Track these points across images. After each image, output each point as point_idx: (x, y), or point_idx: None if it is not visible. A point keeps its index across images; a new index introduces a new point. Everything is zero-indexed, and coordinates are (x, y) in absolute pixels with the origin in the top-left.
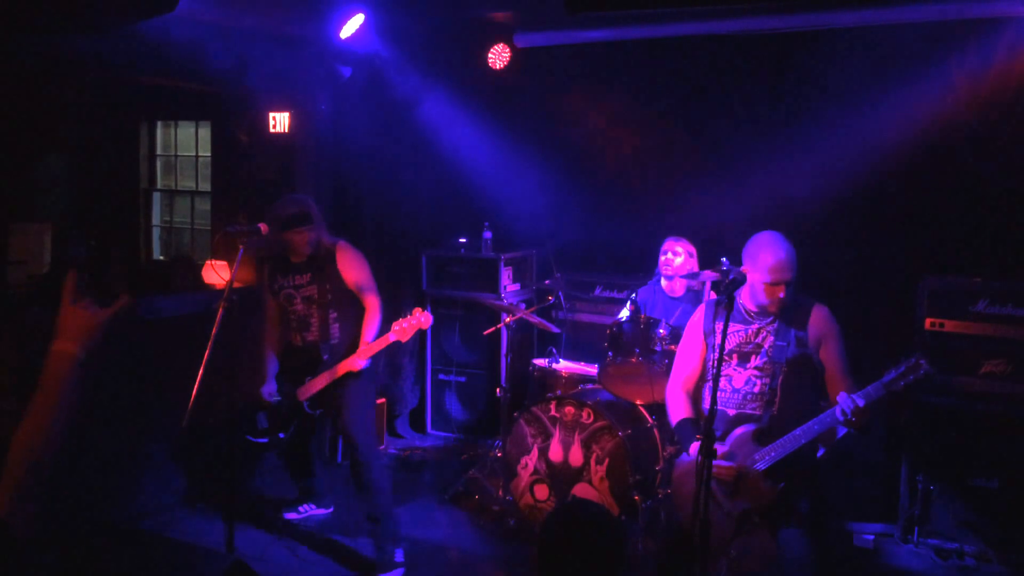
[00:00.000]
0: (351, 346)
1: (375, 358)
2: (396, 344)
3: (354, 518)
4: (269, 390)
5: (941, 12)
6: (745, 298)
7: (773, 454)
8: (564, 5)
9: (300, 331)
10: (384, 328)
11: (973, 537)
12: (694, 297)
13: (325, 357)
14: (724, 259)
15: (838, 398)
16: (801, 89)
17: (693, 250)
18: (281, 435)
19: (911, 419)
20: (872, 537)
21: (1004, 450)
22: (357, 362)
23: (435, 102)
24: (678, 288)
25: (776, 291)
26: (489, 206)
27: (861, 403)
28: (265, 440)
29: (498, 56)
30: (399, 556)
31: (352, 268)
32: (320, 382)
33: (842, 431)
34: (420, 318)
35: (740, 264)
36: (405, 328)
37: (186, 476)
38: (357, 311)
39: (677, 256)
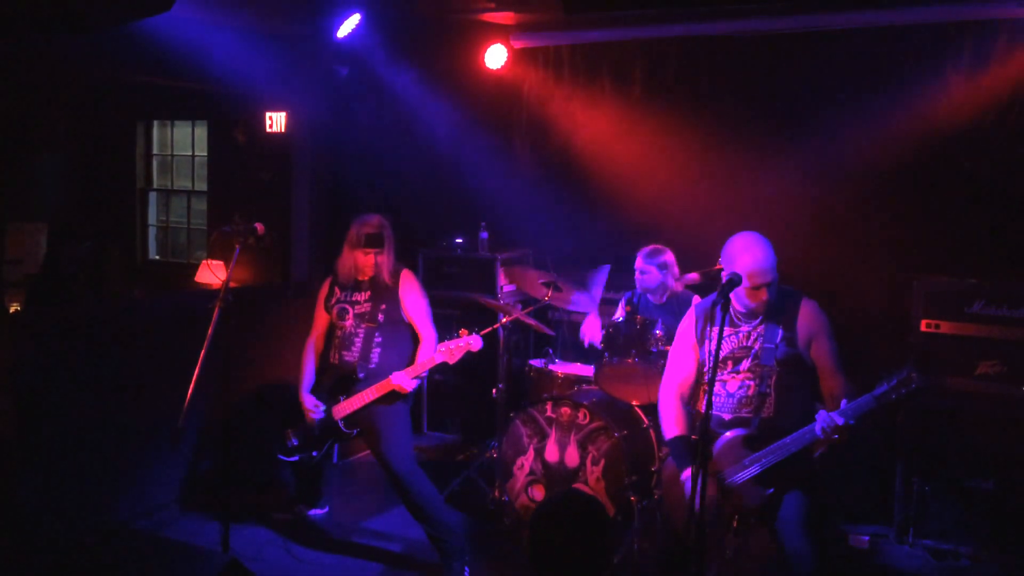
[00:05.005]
0: (388, 374)
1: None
2: (444, 364)
3: (349, 518)
4: (313, 402)
5: (936, 14)
6: (734, 300)
7: (764, 461)
8: (561, 6)
9: (341, 349)
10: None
11: (968, 538)
12: (677, 304)
13: (361, 375)
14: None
15: (817, 416)
16: (795, 90)
17: (670, 258)
18: (315, 454)
19: (906, 420)
20: (867, 538)
21: (999, 451)
22: (405, 380)
23: (432, 102)
24: (661, 296)
25: (759, 294)
26: (486, 206)
27: (840, 421)
28: (296, 459)
29: (495, 56)
30: (467, 573)
31: (413, 296)
32: (357, 401)
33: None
34: (469, 340)
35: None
36: (452, 349)
37: (182, 476)
38: (401, 345)
39: (645, 274)
